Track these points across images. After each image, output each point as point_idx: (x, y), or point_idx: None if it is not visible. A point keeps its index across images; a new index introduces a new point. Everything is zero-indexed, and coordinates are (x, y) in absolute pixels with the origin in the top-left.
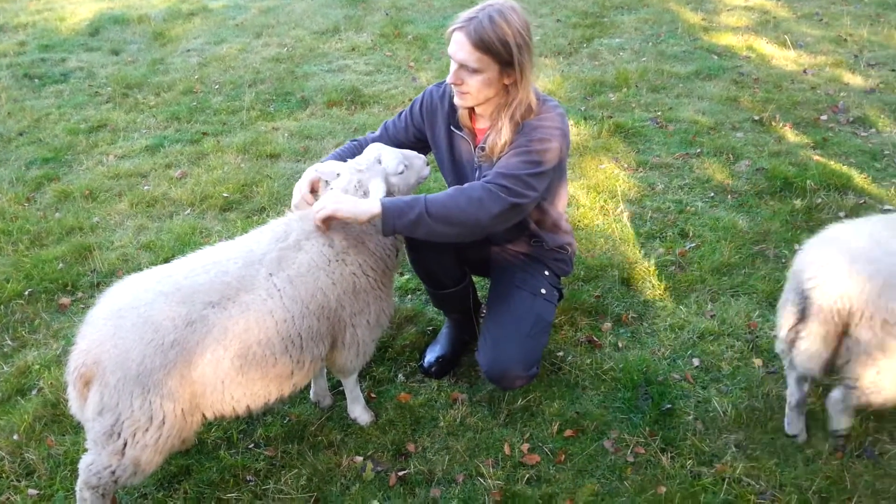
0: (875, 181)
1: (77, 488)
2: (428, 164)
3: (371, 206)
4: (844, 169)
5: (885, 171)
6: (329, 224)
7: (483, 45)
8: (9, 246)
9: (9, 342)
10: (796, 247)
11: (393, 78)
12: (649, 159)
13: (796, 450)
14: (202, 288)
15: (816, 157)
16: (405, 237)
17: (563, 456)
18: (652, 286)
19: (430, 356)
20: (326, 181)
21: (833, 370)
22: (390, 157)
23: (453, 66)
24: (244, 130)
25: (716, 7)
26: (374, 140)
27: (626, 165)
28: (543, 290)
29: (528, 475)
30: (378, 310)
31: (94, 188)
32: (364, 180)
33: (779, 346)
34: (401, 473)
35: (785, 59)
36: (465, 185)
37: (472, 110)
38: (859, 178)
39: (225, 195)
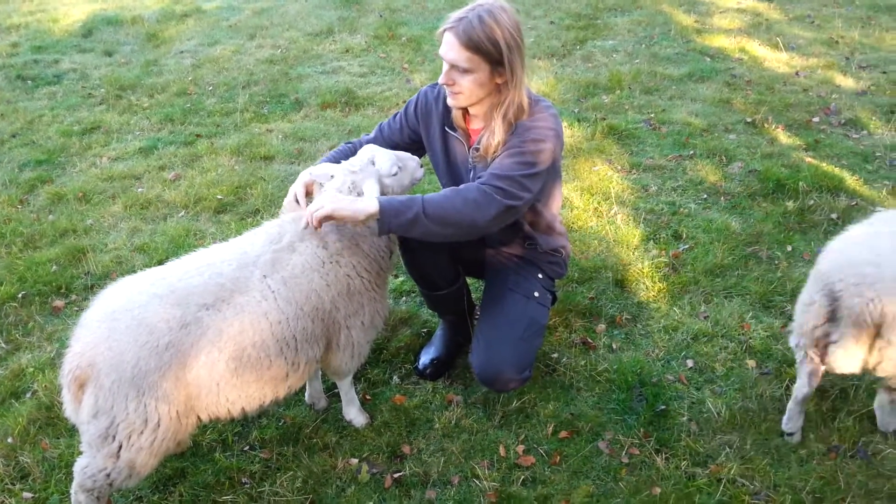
0: (867, 182)
1: (72, 491)
2: (422, 166)
3: (368, 205)
4: (836, 170)
5: (877, 172)
6: (321, 224)
7: (473, 44)
8: (2, 248)
9: (2, 345)
10: (789, 248)
11: (387, 80)
12: (643, 161)
13: (790, 450)
14: (196, 290)
15: (809, 159)
16: (399, 239)
17: (558, 457)
18: (646, 288)
19: (425, 358)
20: (321, 183)
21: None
22: (384, 159)
23: (445, 67)
24: (238, 132)
25: (708, 9)
26: (368, 142)
27: (619, 167)
28: (536, 293)
29: (523, 476)
30: (372, 311)
31: (88, 190)
32: (358, 182)
33: (794, 341)
34: (396, 475)
35: (777, 61)
36: (462, 186)
37: (465, 111)
38: (851, 180)
39: (219, 197)
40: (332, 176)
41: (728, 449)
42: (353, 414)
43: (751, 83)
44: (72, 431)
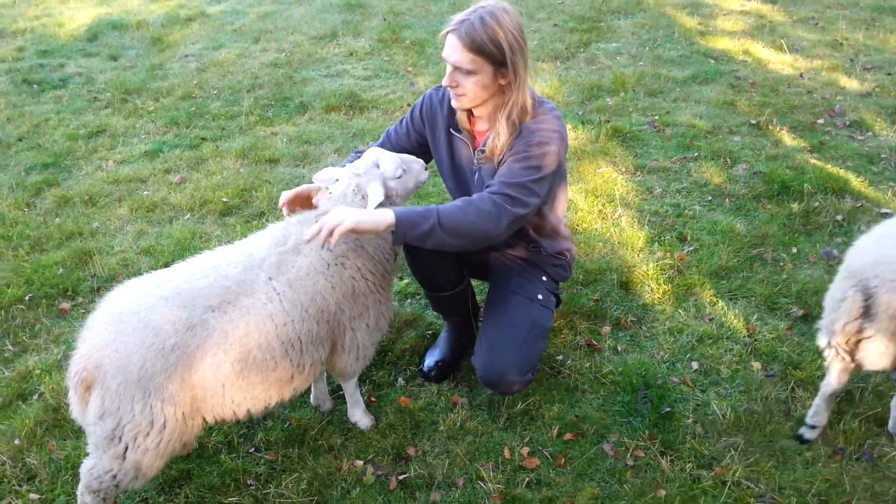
0: (872, 184)
1: (78, 492)
2: (426, 169)
3: (386, 216)
4: (841, 172)
5: (882, 174)
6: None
7: (475, 46)
8: (9, 251)
9: (10, 347)
10: (794, 250)
11: (391, 83)
12: (647, 163)
13: (795, 453)
14: (202, 292)
15: (813, 161)
16: None
17: (563, 459)
18: (650, 290)
19: (430, 360)
20: (326, 187)
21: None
22: (388, 162)
23: (448, 69)
24: (243, 135)
25: (712, 12)
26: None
27: (623, 169)
28: (540, 296)
29: (527, 479)
30: (377, 313)
31: (94, 193)
32: (362, 184)
33: (823, 338)
34: (401, 477)
35: (781, 63)
36: (474, 196)
37: (470, 112)
38: (856, 182)
39: (224, 200)
40: (336, 179)
41: (733, 451)
42: (359, 416)
43: (755, 85)
44: (78, 433)
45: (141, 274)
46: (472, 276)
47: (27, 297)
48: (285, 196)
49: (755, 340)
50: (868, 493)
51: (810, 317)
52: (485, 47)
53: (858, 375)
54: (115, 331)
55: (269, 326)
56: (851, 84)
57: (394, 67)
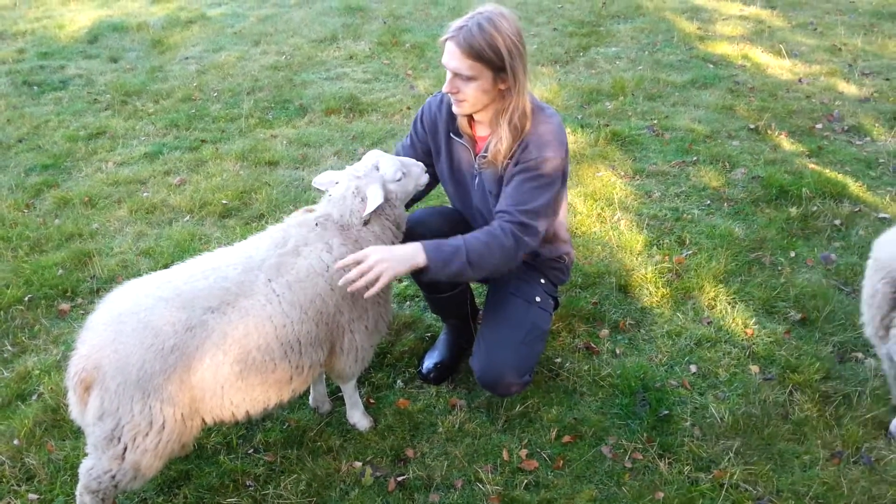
0: (870, 189)
1: (77, 493)
2: (427, 172)
3: (418, 258)
4: (840, 177)
5: (880, 179)
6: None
7: (474, 52)
8: (8, 252)
9: (9, 347)
10: (792, 254)
11: (391, 86)
12: (646, 167)
13: (793, 456)
14: (202, 293)
15: (812, 166)
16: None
17: (562, 462)
18: (649, 293)
19: (429, 362)
20: (326, 190)
21: None
22: (388, 164)
23: (448, 76)
24: (243, 138)
25: (711, 16)
26: None
27: (622, 173)
28: (538, 298)
29: (526, 481)
30: (376, 315)
31: (94, 195)
32: (362, 186)
33: (869, 332)
34: (400, 479)
35: (780, 68)
36: (495, 228)
37: (470, 117)
38: (854, 186)
39: (224, 202)
40: (336, 182)
41: (731, 454)
42: (357, 417)
43: (754, 90)
44: (77, 433)
45: (140, 275)
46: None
47: (26, 298)
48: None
49: (753, 344)
50: (866, 497)
51: (808, 320)
52: (483, 53)
53: (857, 379)
54: (114, 331)
55: (268, 328)
56: (850, 89)
57: (393, 71)
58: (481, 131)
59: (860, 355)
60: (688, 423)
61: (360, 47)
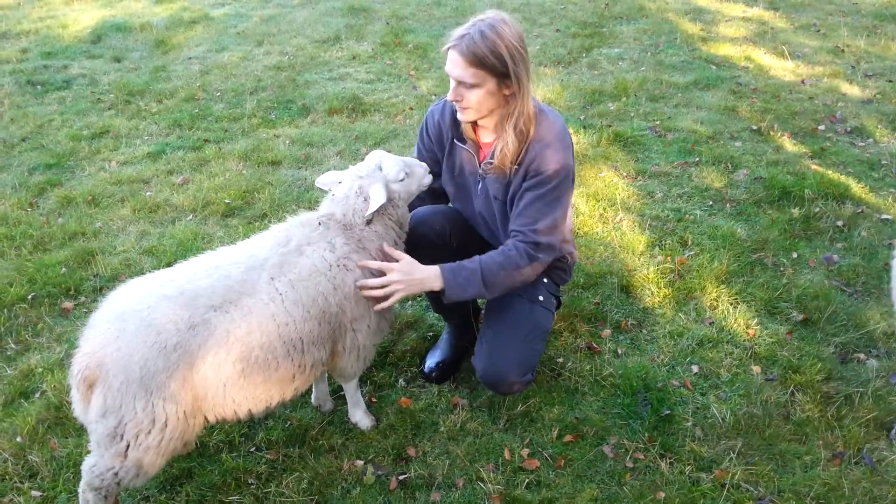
0: (873, 190)
1: (80, 490)
2: (430, 173)
3: (434, 283)
4: (842, 178)
5: (883, 180)
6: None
7: (477, 59)
8: (12, 250)
9: (12, 345)
10: (794, 255)
11: (393, 86)
12: (648, 168)
13: (794, 456)
14: (205, 292)
15: (814, 167)
16: (405, 242)
17: (563, 461)
18: (651, 294)
19: (431, 361)
20: (329, 190)
21: None
22: (391, 165)
23: (452, 84)
24: (246, 137)
25: (714, 18)
26: None
27: (625, 174)
28: (541, 297)
29: (527, 480)
30: (378, 315)
31: (97, 194)
32: (364, 186)
33: None
34: (401, 477)
35: (783, 69)
36: (511, 248)
37: (475, 123)
38: (857, 188)
39: (227, 201)
40: (339, 182)
41: (732, 454)
42: (359, 416)
43: (756, 91)
44: (80, 431)
45: (143, 274)
46: None
47: (30, 296)
48: None
49: (755, 344)
50: (867, 497)
51: (810, 321)
52: (486, 60)
53: (859, 380)
54: (117, 329)
55: (270, 326)
56: (853, 91)
57: (396, 71)
58: (485, 137)
59: (862, 356)
60: (689, 424)
61: (363, 48)
